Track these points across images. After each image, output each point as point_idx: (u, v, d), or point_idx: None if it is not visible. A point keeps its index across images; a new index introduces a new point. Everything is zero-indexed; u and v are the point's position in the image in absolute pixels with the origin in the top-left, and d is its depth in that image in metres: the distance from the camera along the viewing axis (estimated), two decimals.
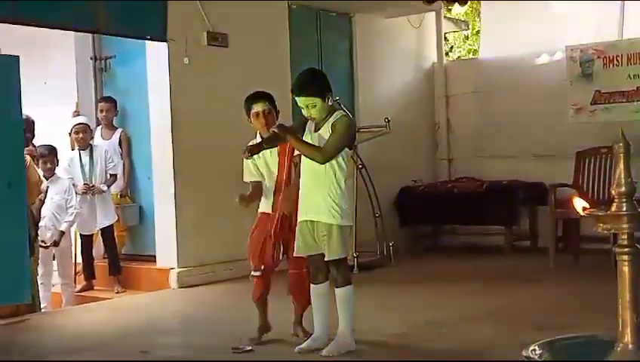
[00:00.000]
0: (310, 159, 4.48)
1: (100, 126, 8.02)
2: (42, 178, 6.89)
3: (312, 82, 4.56)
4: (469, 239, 9.32)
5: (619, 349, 2.57)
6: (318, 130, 4.54)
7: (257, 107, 4.85)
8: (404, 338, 4.93)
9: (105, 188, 7.56)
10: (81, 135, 7.55)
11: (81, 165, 7.54)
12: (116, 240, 7.73)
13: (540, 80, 8.74)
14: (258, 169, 4.87)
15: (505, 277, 7.14)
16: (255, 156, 4.66)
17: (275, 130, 4.46)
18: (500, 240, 8.76)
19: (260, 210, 4.94)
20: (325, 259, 4.53)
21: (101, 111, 7.93)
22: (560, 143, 8.36)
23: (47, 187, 7.01)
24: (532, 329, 4.67)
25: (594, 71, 8.19)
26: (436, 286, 6.81)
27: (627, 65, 7.95)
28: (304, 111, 4.54)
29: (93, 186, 7.48)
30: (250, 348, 4.72)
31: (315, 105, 4.47)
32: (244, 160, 4.73)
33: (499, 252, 8.55)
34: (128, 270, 7.70)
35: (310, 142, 4.52)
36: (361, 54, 9.11)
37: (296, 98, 4.51)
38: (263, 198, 4.91)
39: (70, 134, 7.68)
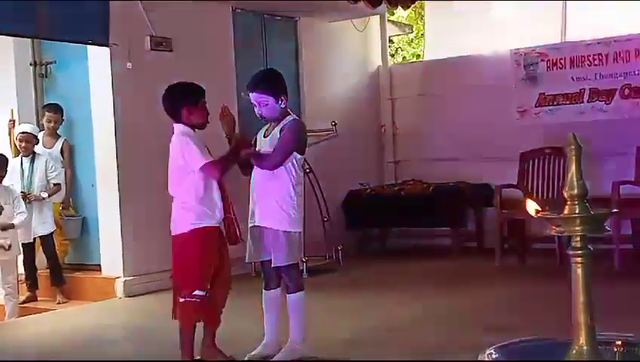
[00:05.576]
0: (260, 168, 4.45)
1: (43, 133, 7.83)
2: None
3: (267, 80, 4.59)
4: (417, 241, 9.36)
5: (574, 351, 2.57)
6: (269, 135, 4.51)
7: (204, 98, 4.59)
8: (355, 343, 4.91)
9: (45, 195, 7.38)
10: (24, 143, 7.41)
11: (22, 171, 7.37)
12: (57, 250, 7.54)
13: (484, 82, 8.80)
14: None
15: (454, 279, 7.17)
16: None
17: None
18: (447, 242, 8.81)
19: (204, 225, 4.41)
20: (272, 266, 4.49)
21: (49, 121, 7.71)
22: (506, 145, 8.43)
23: None
24: (484, 332, 4.69)
25: (538, 74, 8.29)
26: (386, 290, 6.81)
27: (570, 67, 8.07)
28: (256, 109, 4.52)
29: (29, 194, 7.30)
30: (198, 357, 4.64)
31: (267, 104, 4.46)
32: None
33: (447, 254, 8.59)
34: (72, 279, 7.53)
35: (262, 146, 4.53)
36: (306, 58, 9.08)
37: (250, 94, 4.51)
38: (206, 209, 4.42)
39: (15, 140, 7.52)
